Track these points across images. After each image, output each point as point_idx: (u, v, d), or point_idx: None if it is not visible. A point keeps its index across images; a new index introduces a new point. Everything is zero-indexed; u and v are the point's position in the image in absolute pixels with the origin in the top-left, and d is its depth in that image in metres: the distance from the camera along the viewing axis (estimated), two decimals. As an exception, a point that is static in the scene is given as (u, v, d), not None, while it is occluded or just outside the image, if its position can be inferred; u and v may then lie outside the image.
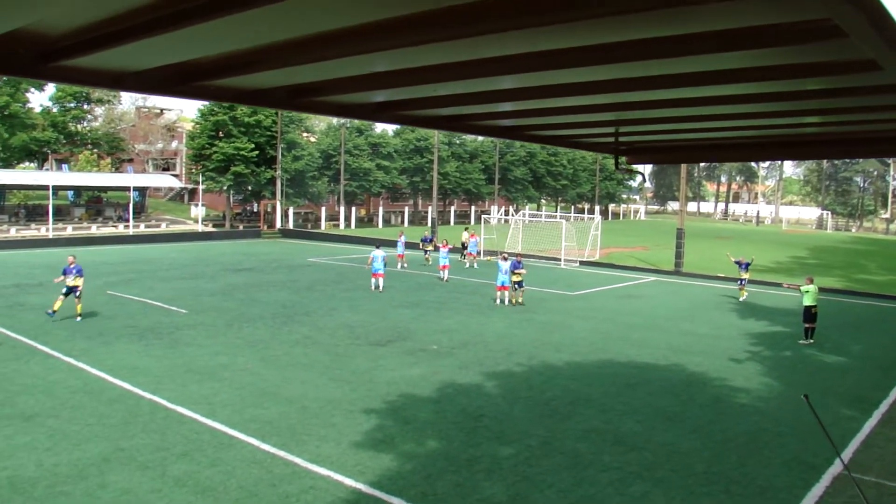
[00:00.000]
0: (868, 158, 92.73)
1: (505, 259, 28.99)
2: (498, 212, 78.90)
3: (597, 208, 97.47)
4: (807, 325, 22.41)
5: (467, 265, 40.56)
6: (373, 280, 31.36)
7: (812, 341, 22.16)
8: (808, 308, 22.36)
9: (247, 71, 4.85)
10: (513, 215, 60.25)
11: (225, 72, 4.94)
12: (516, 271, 27.78)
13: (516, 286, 27.90)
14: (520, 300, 27.96)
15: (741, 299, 31.06)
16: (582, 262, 44.19)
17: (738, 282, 31.86)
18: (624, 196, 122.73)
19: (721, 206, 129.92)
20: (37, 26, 3.98)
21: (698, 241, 57.98)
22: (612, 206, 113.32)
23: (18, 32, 3.94)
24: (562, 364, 19.02)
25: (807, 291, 22.42)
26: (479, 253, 43.01)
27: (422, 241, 43.13)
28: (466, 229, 45.02)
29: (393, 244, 41.23)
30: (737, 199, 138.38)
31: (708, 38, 3.69)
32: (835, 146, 8.39)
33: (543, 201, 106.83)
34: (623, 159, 9.22)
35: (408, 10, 3.45)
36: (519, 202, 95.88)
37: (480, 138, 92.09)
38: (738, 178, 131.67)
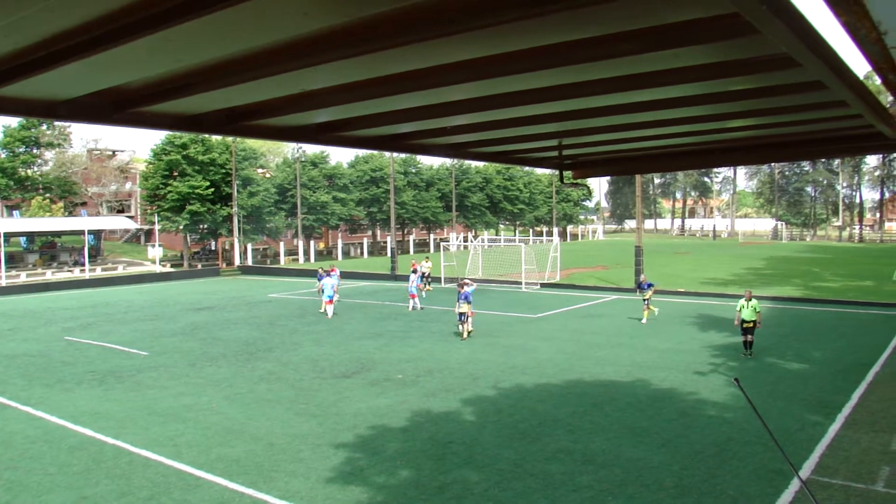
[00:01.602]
0: (813, 160, 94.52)
1: (465, 286, 27.30)
2: (457, 239, 79.12)
3: (555, 230, 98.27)
4: (743, 339, 22.41)
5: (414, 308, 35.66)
6: (328, 308, 32.95)
7: (750, 355, 22.07)
8: (744, 321, 22.09)
9: (180, 94, 4.79)
10: (472, 241, 60.40)
11: (158, 97, 4.88)
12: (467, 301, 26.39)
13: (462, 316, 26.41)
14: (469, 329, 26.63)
15: (643, 321, 29.20)
16: (543, 285, 44.40)
17: (644, 302, 29.96)
18: (581, 217, 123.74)
19: (678, 221, 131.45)
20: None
21: (657, 258, 58.60)
22: (570, 228, 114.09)
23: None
24: (529, 386, 19.04)
25: (743, 307, 22.08)
26: (428, 282, 42.66)
27: (318, 277, 38.10)
28: (427, 259, 44.79)
29: (368, 276, 40.95)
30: (693, 214, 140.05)
31: (629, 37, 3.75)
32: (779, 149, 8.53)
33: (501, 226, 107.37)
34: (569, 174, 9.30)
35: (337, 20, 3.44)
36: (477, 228, 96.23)
37: (436, 165, 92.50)
38: (692, 194, 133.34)
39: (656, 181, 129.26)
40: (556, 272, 47.41)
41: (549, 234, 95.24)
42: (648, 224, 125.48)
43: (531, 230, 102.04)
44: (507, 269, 48.26)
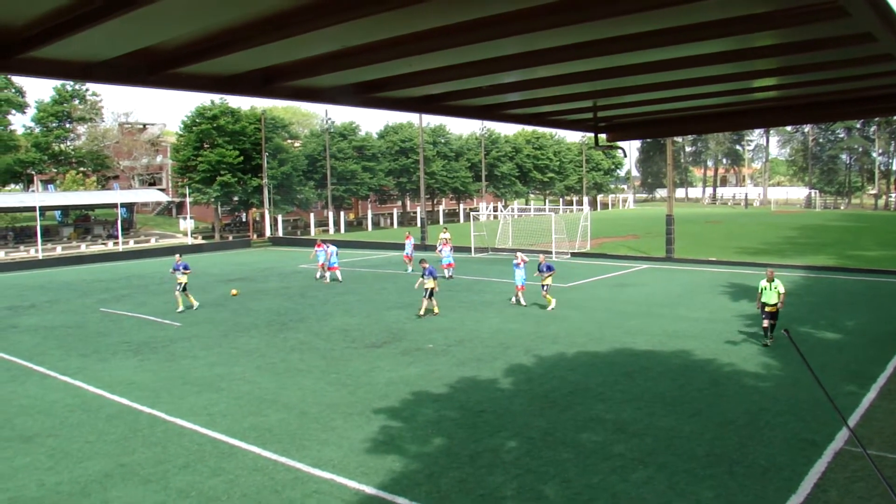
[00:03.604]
0: (853, 119, 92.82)
1: (524, 262, 27.23)
2: (486, 208, 78.96)
3: (585, 199, 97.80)
4: (765, 324, 19.58)
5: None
6: (329, 273, 35.63)
7: (772, 339, 19.58)
8: (765, 305, 19.50)
9: (216, 54, 4.78)
10: (501, 211, 60.18)
11: (193, 57, 4.88)
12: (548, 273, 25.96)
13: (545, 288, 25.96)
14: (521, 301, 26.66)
15: (549, 308, 25.70)
16: (573, 254, 44.25)
17: (543, 287, 26.25)
18: (611, 186, 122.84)
19: (709, 190, 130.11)
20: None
21: (688, 227, 58.15)
22: (600, 197, 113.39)
23: None
24: (559, 355, 19.05)
25: (764, 289, 19.49)
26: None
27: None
28: (445, 230, 44.50)
29: (399, 247, 41.00)
30: (724, 182, 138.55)
31: None
32: (817, 109, 8.35)
33: (531, 195, 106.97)
34: (603, 137, 9.21)
35: None
36: (507, 198, 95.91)
37: (465, 135, 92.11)
38: (724, 162, 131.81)
39: (687, 149, 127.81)
40: (587, 241, 47.22)
41: (580, 203, 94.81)
42: (679, 193, 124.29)
43: (561, 199, 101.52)
44: (537, 239, 48.11)
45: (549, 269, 26.16)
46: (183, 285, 27.66)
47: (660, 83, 6.52)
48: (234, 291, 29.85)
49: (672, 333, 21.26)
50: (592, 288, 31.23)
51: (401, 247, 44.03)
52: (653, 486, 10.87)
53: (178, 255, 29.39)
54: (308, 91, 6.26)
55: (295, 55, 5.13)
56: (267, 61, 5.30)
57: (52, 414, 15.29)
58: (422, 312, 25.16)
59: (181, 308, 27.40)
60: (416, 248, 47.79)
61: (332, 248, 36.61)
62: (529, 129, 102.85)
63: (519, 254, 28.16)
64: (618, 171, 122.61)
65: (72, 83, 74.80)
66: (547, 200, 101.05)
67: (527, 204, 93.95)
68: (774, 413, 14.10)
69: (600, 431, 13.27)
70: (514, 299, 27.14)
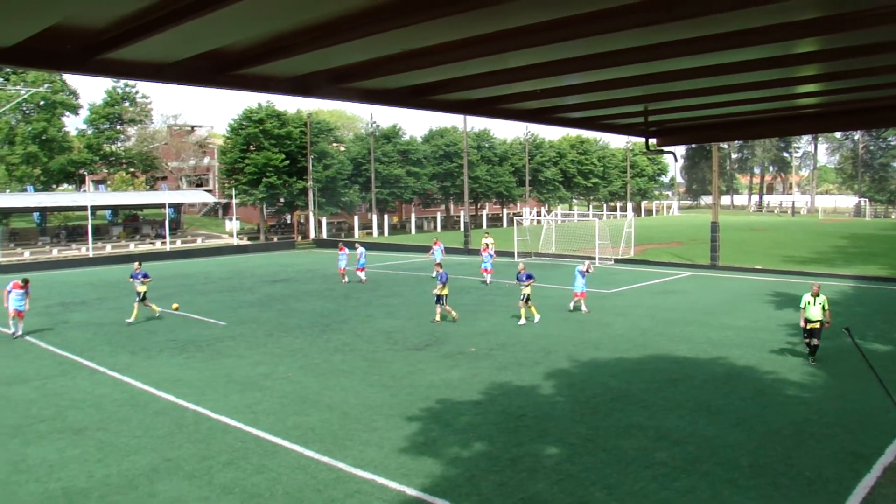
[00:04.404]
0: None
1: (588, 271, 26.85)
2: (530, 213, 78.81)
3: (629, 205, 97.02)
4: (807, 342, 18.70)
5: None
6: (358, 274, 36.47)
7: (814, 362, 18.47)
8: (808, 321, 18.52)
9: (280, 56, 4.94)
10: (545, 216, 60.07)
11: (259, 59, 5.05)
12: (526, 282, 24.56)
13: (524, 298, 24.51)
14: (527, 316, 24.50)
15: (522, 322, 24.19)
16: (617, 260, 44.02)
17: (522, 297, 24.67)
18: (656, 192, 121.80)
19: (755, 198, 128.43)
20: (78, 21, 4.12)
21: (734, 234, 57.48)
22: (644, 203, 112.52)
23: (61, 28, 4.10)
24: (601, 361, 18.98)
25: (808, 304, 18.49)
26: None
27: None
28: (487, 234, 44.41)
29: (426, 250, 41.14)
30: (771, 190, 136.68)
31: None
32: (871, 115, 8.21)
33: (575, 201, 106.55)
34: (653, 142, 9.19)
35: None
36: (551, 203, 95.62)
37: (509, 139, 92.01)
38: (771, 169, 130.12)
39: (733, 156, 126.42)
40: (630, 248, 46.93)
41: (623, 209, 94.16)
42: (725, 200, 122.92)
43: (605, 205, 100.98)
44: (581, 245, 47.93)
45: (529, 277, 24.71)
46: (142, 295, 26.08)
47: (710, 88, 6.52)
48: (174, 306, 28.21)
49: (716, 341, 21.06)
50: (635, 294, 31.03)
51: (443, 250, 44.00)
52: (696, 494, 10.79)
53: (136, 263, 27.76)
54: (367, 93, 6.39)
55: (356, 57, 5.26)
56: (330, 64, 5.44)
57: (102, 408, 15.63)
58: (437, 318, 24.86)
59: (132, 319, 25.67)
60: (459, 252, 47.93)
61: (361, 250, 37.68)
62: (574, 133, 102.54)
63: (587, 262, 27.62)
64: (662, 177, 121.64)
65: (122, 85, 76.21)
66: (591, 206, 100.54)
67: (570, 209, 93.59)
68: (821, 424, 13.90)
69: (642, 438, 13.20)
70: (572, 305, 26.74)
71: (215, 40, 4.64)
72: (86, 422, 14.68)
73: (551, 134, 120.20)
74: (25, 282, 23.81)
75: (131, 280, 26.67)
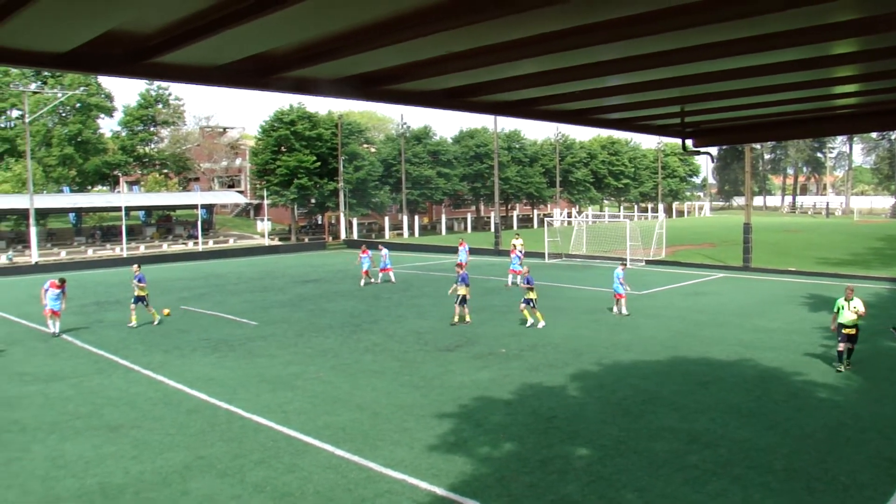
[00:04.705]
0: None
1: (624, 267, 27.00)
2: (560, 214, 78.59)
3: (660, 206, 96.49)
4: (841, 347, 17.81)
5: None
6: (381, 275, 37.04)
7: (848, 367, 17.83)
8: (843, 326, 17.72)
9: (323, 59, 5.06)
10: (576, 217, 59.91)
11: (302, 62, 5.19)
12: (528, 286, 24.32)
13: (529, 303, 24.07)
14: (532, 317, 24.08)
15: (529, 324, 23.95)
16: (648, 262, 43.77)
17: (526, 302, 24.28)
18: (687, 193, 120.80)
19: (788, 199, 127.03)
20: (129, 26, 4.28)
21: (767, 236, 56.91)
22: (675, 205, 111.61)
23: (113, 33, 4.25)
24: (632, 363, 18.90)
25: (841, 308, 17.78)
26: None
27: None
28: (517, 236, 44.17)
29: (456, 251, 41.10)
30: (804, 191, 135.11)
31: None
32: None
33: (606, 202, 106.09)
34: (689, 143, 9.17)
35: None
36: (581, 204, 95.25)
37: (540, 140, 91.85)
38: (805, 170, 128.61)
39: (766, 157, 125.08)
40: (662, 249, 46.64)
41: (654, 210, 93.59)
42: (758, 201, 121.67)
43: (636, 206, 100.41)
44: (612, 246, 47.73)
45: (528, 282, 24.34)
46: (140, 298, 25.45)
47: (747, 89, 6.51)
48: (165, 311, 26.74)
49: (748, 344, 20.88)
50: (667, 296, 30.85)
51: (474, 251, 44.03)
52: (727, 497, 10.72)
53: (135, 266, 26.99)
54: (404, 95, 6.47)
55: (395, 62, 5.34)
56: (366, 68, 5.54)
57: (136, 406, 15.84)
58: (455, 320, 24.75)
59: (133, 323, 25.25)
60: (490, 253, 47.84)
61: (385, 251, 38.13)
62: (605, 134, 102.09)
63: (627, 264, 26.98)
64: (694, 178, 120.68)
65: (156, 87, 77.11)
66: (621, 207, 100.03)
67: (601, 210, 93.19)
68: (856, 429, 13.73)
69: (673, 441, 13.13)
70: (615, 309, 26.29)
71: (262, 44, 4.78)
72: (121, 419, 14.89)
73: (582, 135, 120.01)
74: (62, 282, 24.14)
75: (135, 283, 25.61)
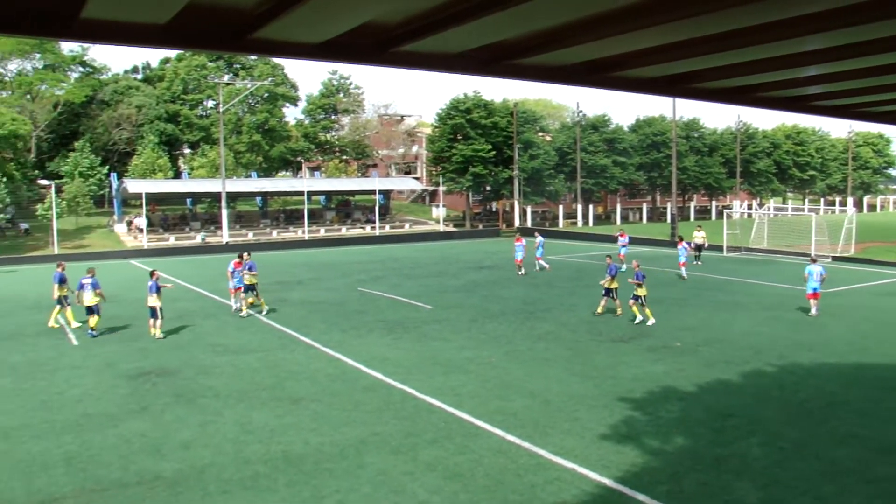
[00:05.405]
0: None
1: (814, 262, 25.26)
2: (740, 206, 75.61)
3: (849, 200, 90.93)
4: None
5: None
6: (536, 263, 37.01)
7: None
8: None
9: (550, 49, 5.27)
10: (756, 209, 57.51)
11: (530, 51, 5.45)
12: (636, 281, 23.20)
13: (637, 300, 23.15)
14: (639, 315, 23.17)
15: (638, 321, 22.95)
16: (835, 258, 41.42)
17: (634, 299, 23.25)
18: (881, 186, 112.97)
19: None
20: (379, 18, 4.62)
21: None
22: (866, 198, 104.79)
23: (364, 26, 4.60)
24: (815, 364, 18.01)
25: None
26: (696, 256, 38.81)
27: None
28: (699, 228, 42.70)
29: (631, 241, 40.46)
30: None
31: None
32: None
33: (789, 194, 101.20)
34: None
35: None
36: (763, 195, 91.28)
37: (720, 129, 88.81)
38: None
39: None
40: (850, 245, 44.01)
41: (843, 203, 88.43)
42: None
43: (822, 199, 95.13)
44: (795, 240, 45.47)
45: (638, 277, 23.25)
46: (251, 287, 25.16)
47: None
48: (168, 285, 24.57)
49: (948, 349, 19.43)
50: (855, 295, 29.12)
51: (649, 241, 43.15)
52: (920, 513, 10.06)
53: (246, 254, 26.07)
54: (626, 81, 6.60)
55: (621, 49, 5.49)
56: (593, 55, 5.72)
57: (316, 381, 16.62)
58: (599, 311, 24.25)
59: (244, 312, 24.84)
60: (667, 245, 46.78)
61: (540, 239, 38.45)
62: (790, 123, 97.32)
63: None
64: (889, 170, 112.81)
65: (338, 77, 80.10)
66: (806, 200, 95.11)
67: (784, 203, 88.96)
68: None
69: (860, 449, 12.40)
70: (814, 310, 24.27)
71: (499, 34, 5.06)
72: (302, 392, 15.68)
73: (765, 123, 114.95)
74: (240, 256, 25.41)
75: (245, 273, 25.18)
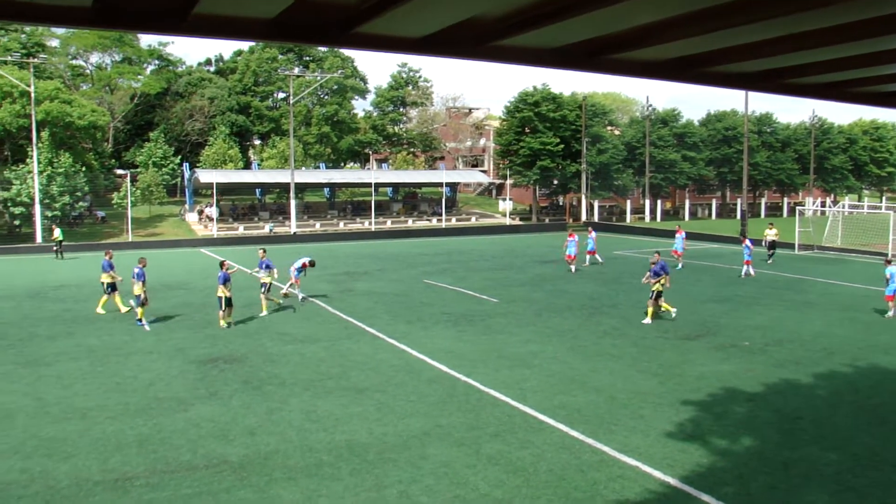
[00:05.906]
0: None
1: (890, 263, 24.05)
2: (813, 203, 73.77)
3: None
4: None
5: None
6: (588, 258, 37.22)
7: None
8: None
9: (644, 45, 5.36)
10: (830, 206, 56.05)
11: (624, 46, 5.57)
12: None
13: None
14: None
15: (646, 321, 22.41)
16: (914, 258, 40.09)
17: (651, 294, 22.88)
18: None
19: None
20: (481, 14, 4.93)
21: None
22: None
23: (465, 20, 4.90)
24: (891, 368, 17.48)
25: None
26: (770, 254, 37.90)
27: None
28: (771, 225, 41.62)
29: (700, 237, 39.81)
30: None
31: None
32: None
33: (865, 191, 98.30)
34: None
35: None
36: (837, 192, 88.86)
37: (793, 124, 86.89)
38: None
39: None
40: (931, 245, 42.58)
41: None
42: None
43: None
44: (872, 239, 44.20)
45: (662, 271, 22.64)
46: (267, 286, 24.10)
47: None
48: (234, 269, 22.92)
49: None
50: (935, 297, 28.11)
51: (718, 238, 42.36)
52: None
53: (261, 251, 25.00)
54: (716, 76, 6.64)
55: (713, 46, 5.58)
56: (684, 52, 5.80)
57: (380, 371, 16.76)
58: (648, 319, 22.69)
59: (264, 312, 23.72)
60: (737, 242, 45.93)
61: (593, 234, 39.05)
62: (868, 118, 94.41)
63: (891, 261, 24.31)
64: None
65: (407, 70, 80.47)
66: (884, 197, 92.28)
67: (860, 200, 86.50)
68: None
69: (938, 455, 12.02)
70: (892, 312, 23.32)
71: (595, 30, 5.29)
72: (366, 383, 15.82)
73: (841, 118, 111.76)
74: (311, 264, 26.43)
75: (257, 271, 24.77)
